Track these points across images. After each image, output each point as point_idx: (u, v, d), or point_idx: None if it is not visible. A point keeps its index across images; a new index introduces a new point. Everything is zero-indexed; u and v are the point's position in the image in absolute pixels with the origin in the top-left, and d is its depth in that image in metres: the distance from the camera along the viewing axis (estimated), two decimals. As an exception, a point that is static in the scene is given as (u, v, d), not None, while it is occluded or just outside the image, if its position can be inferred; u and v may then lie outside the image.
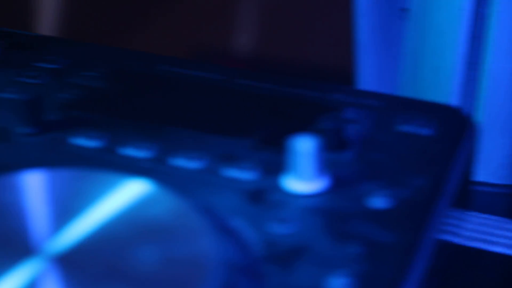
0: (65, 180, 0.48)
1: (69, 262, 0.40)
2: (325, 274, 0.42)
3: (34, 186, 0.46)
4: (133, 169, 0.51)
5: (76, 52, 0.69)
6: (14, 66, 0.66)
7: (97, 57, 0.68)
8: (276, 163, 0.53)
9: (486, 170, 0.83)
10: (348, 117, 0.60)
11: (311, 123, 0.57)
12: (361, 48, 0.94)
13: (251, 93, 0.65)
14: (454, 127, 0.58)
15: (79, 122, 0.57)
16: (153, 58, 0.68)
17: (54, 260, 0.39)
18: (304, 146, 0.46)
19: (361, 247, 0.44)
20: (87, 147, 0.54)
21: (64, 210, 0.45)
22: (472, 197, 0.72)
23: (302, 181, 0.49)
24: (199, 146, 0.54)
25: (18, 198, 0.45)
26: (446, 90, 0.83)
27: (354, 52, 0.95)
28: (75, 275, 0.39)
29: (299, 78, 0.66)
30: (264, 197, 0.49)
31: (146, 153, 0.53)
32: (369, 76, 0.95)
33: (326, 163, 0.50)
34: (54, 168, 0.49)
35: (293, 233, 0.45)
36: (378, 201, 0.48)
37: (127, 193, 0.45)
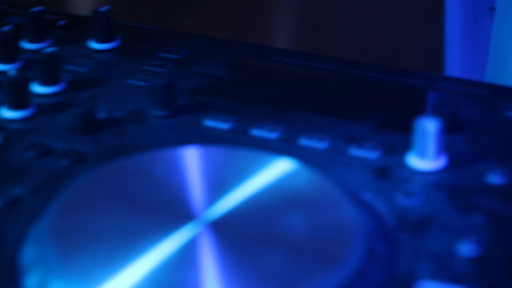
0: (219, 156, 0.54)
1: (223, 227, 0.45)
2: (453, 240, 0.47)
3: (192, 161, 0.52)
4: (265, 149, 0.56)
5: (193, 43, 0.75)
6: (139, 57, 0.72)
7: (213, 48, 0.75)
8: (394, 143, 0.58)
9: None
10: (459, 104, 0.65)
11: (423, 109, 0.63)
12: (450, 45, 0.98)
13: (362, 81, 0.71)
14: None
15: (208, 106, 0.64)
16: (268, 49, 0.75)
17: (210, 225, 0.45)
18: (429, 127, 0.51)
19: (483, 218, 0.50)
20: (219, 129, 0.60)
21: (218, 183, 0.50)
22: None
23: (425, 159, 0.54)
24: (323, 128, 0.60)
25: (178, 170, 0.51)
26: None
27: (444, 48, 0.99)
28: (229, 239, 0.44)
29: (406, 69, 0.72)
30: (390, 173, 0.55)
31: (275, 134, 0.59)
32: (458, 71, 0.99)
33: (444, 144, 0.56)
34: (209, 146, 0.55)
35: (420, 205, 0.51)
36: (495, 178, 0.55)
37: (273, 170, 0.51)
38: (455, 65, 1.00)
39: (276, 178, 0.51)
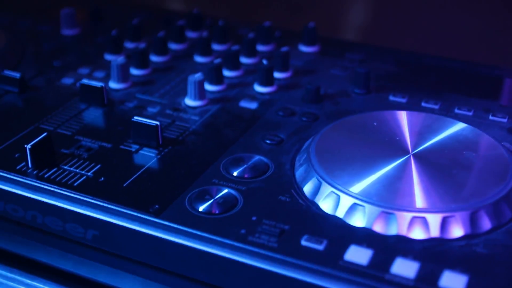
0: (415, 117, 0.77)
1: (424, 158, 0.68)
2: None
3: (399, 119, 0.76)
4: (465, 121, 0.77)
5: (369, 50, 1.01)
6: (334, 56, 0.98)
7: (381, 53, 1.01)
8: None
9: None
10: None
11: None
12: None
13: (479, 75, 0.95)
14: None
15: (389, 88, 0.89)
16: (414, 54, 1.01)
17: (415, 156, 0.69)
18: None
19: None
20: (399, 102, 0.85)
21: (418, 133, 0.74)
22: None
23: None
24: (466, 102, 0.85)
25: (391, 125, 0.75)
26: None
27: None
28: (427, 165, 0.67)
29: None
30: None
31: (437, 106, 0.84)
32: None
33: None
34: (412, 112, 0.78)
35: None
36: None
37: (451, 128, 0.75)
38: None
39: (453, 132, 0.74)
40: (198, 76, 0.82)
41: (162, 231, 0.63)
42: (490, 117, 0.82)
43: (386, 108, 0.84)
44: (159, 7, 1.08)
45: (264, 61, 0.90)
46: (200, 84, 0.82)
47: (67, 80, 0.87)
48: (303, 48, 0.98)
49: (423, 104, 0.85)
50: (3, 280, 0.76)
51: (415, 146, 0.73)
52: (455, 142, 0.74)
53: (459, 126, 0.76)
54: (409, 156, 0.71)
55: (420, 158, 0.70)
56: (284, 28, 1.04)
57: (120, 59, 0.87)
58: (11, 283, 0.76)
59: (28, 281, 0.76)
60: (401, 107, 0.84)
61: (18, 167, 0.71)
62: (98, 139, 0.76)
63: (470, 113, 0.83)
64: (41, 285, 0.75)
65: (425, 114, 0.79)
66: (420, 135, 0.74)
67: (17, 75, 0.84)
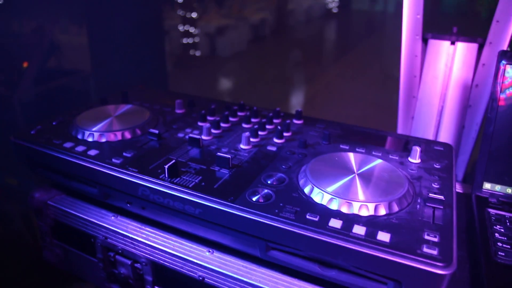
0: (358, 156, 0.77)
1: (362, 175, 0.70)
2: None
3: (351, 157, 0.78)
4: None
5: None
6: (310, 125, 1.00)
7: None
8: None
9: None
10: None
11: None
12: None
13: None
14: None
15: (339, 141, 0.90)
16: None
17: (358, 175, 0.70)
18: None
19: None
20: (345, 148, 0.87)
21: (359, 163, 0.76)
22: None
23: None
24: None
25: (348, 159, 0.77)
26: None
27: None
28: (364, 179, 0.69)
29: None
30: None
31: None
32: None
33: None
34: (355, 153, 0.80)
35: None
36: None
37: (377, 162, 0.78)
38: None
39: (375, 163, 0.74)
40: (247, 134, 0.84)
41: (236, 210, 0.64)
42: (390, 156, 0.83)
43: (339, 151, 0.84)
44: (223, 100, 1.08)
45: (279, 127, 0.91)
46: (248, 138, 0.84)
47: (180, 134, 0.89)
48: (295, 121, 0.99)
49: (357, 149, 0.85)
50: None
51: (358, 169, 0.73)
52: (376, 168, 0.73)
53: (378, 161, 0.76)
54: (355, 174, 0.71)
55: (361, 175, 0.70)
56: (284, 112, 1.04)
57: (206, 125, 0.88)
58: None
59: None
60: (347, 150, 0.84)
61: (161, 176, 0.72)
62: (199, 163, 0.77)
63: (380, 154, 0.83)
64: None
65: (360, 154, 0.79)
66: (359, 164, 0.74)
67: (156, 131, 0.86)
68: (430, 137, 1.12)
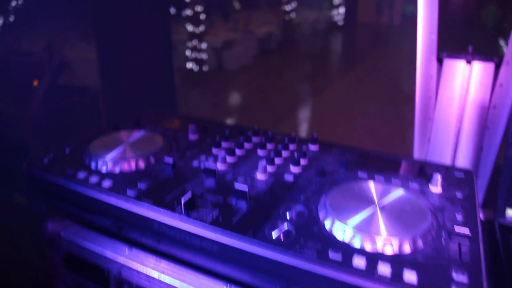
0: (379, 186, 0.76)
1: (384, 208, 0.68)
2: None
3: (371, 186, 0.76)
4: None
5: None
6: (326, 151, 0.99)
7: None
8: None
9: None
10: None
11: None
12: None
13: None
14: None
15: (357, 168, 0.88)
16: None
17: (380, 208, 0.69)
18: None
19: None
20: (363, 176, 0.84)
21: (380, 194, 0.75)
22: None
23: None
24: None
25: (368, 188, 0.76)
26: None
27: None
28: (386, 212, 0.68)
29: None
30: None
31: None
32: None
33: None
34: (375, 182, 0.78)
35: None
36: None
37: (399, 192, 0.76)
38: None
39: (397, 193, 0.73)
40: (263, 163, 0.83)
41: (255, 247, 0.62)
42: (409, 183, 0.80)
43: (358, 179, 0.81)
44: (237, 125, 1.07)
45: (295, 154, 0.89)
46: (264, 167, 0.82)
47: (195, 163, 0.87)
48: (311, 146, 0.97)
49: (376, 176, 0.83)
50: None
51: (379, 200, 0.71)
52: (398, 199, 0.71)
53: (399, 190, 0.74)
54: (376, 206, 0.69)
55: (383, 207, 0.68)
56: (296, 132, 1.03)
57: (221, 154, 0.87)
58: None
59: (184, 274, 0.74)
60: (365, 178, 0.82)
61: (177, 209, 0.71)
62: (215, 195, 0.76)
63: (400, 182, 0.80)
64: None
65: (380, 183, 0.77)
66: (380, 194, 0.72)
67: (171, 160, 0.85)
68: (448, 159, 1.09)
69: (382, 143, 3.57)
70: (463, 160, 1.09)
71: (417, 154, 1.14)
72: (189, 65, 6.00)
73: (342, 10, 10.63)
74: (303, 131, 3.85)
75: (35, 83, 1.90)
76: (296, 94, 5.35)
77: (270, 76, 6.26)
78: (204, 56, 5.93)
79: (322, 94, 5.25)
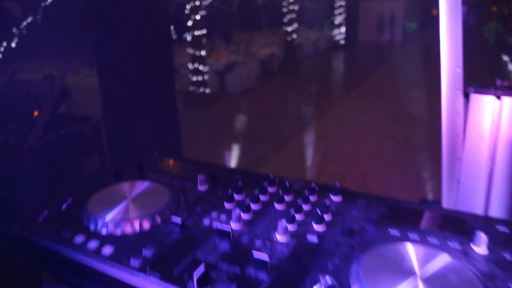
0: (419, 250, 0.67)
1: (427, 280, 0.59)
2: None
3: (409, 249, 0.67)
4: None
5: None
6: (349, 202, 0.90)
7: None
8: None
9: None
10: None
11: None
12: None
13: None
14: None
15: (387, 224, 0.80)
16: None
17: (422, 279, 0.60)
18: None
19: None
20: (394, 234, 0.75)
21: (421, 261, 0.64)
22: None
23: None
24: None
25: (406, 252, 0.66)
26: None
27: None
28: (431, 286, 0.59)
29: None
30: None
31: None
32: None
33: None
34: (414, 243, 0.68)
35: None
36: None
37: (442, 259, 0.66)
38: None
39: (440, 261, 0.64)
40: (283, 223, 0.74)
41: None
42: (449, 243, 0.71)
43: (389, 238, 0.73)
44: (251, 171, 0.99)
45: (318, 210, 0.81)
46: (285, 228, 0.74)
47: (206, 221, 0.79)
48: (333, 197, 0.88)
49: (409, 234, 0.74)
50: None
51: (419, 268, 0.62)
52: (442, 268, 0.62)
53: (442, 256, 0.65)
54: (417, 277, 0.60)
55: (425, 279, 0.60)
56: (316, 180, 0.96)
57: (235, 212, 0.79)
58: None
59: None
60: (398, 238, 0.73)
61: (188, 284, 0.63)
62: (231, 264, 0.67)
63: (438, 242, 0.72)
64: None
65: (418, 245, 0.68)
66: (420, 261, 0.64)
67: (179, 221, 0.77)
68: (480, 203, 1.00)
69: (390, 165, 3.47)
70: (498, 205, 0.99)
71: (445, 197, 1.05)
72: (192, 88, 5.97)
73: (343, 29, 10.71)
74: (309, 153, 3.77)
75: (36, 113, 1.88)
76: (300, 115, 5.29)
77: (273, 97, 6.22)
78: (206, 78, 5.90)
79: (327, 115, 5.19)
